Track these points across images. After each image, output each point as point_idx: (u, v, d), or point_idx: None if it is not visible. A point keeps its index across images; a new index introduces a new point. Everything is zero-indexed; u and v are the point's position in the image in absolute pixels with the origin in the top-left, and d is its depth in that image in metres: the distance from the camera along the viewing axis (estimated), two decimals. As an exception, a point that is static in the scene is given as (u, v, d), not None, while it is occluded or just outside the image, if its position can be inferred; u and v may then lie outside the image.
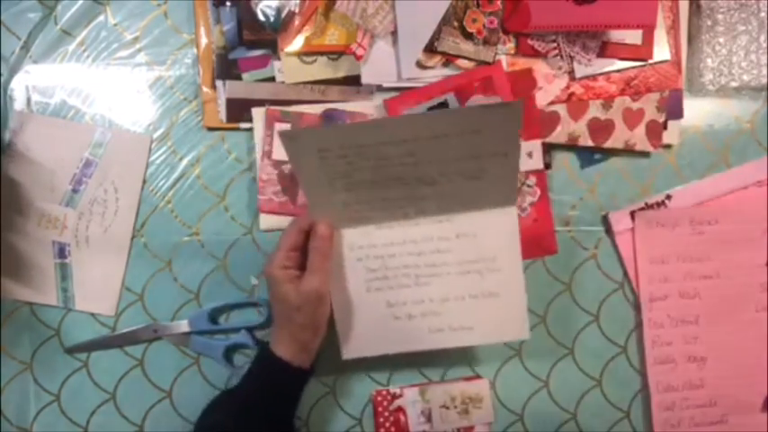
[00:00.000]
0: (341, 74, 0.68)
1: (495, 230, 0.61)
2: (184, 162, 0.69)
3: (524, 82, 0.67)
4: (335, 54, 0.68)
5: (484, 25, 0.66)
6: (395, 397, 0.69)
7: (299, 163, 0.56)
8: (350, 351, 0.63)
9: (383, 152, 0.54)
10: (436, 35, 0.66)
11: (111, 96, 0.69)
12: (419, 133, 0.53)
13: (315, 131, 0.56)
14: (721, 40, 0.68)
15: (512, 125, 0.53)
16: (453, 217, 0.61)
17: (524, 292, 0.61)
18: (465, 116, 0.54)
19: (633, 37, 0.68)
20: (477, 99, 0.66)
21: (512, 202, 0.60)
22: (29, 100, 0.68)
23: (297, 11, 0.66)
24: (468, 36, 0.66)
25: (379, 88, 0.68)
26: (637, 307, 0.70)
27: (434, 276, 0.62)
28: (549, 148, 0.69)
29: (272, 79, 0.68)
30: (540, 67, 0.68)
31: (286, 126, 0.67)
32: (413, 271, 0.62)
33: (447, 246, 0.61)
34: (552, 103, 0.68)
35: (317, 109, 0.68)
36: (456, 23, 0.66)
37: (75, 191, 0.68)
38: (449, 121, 0.53)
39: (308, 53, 0.67)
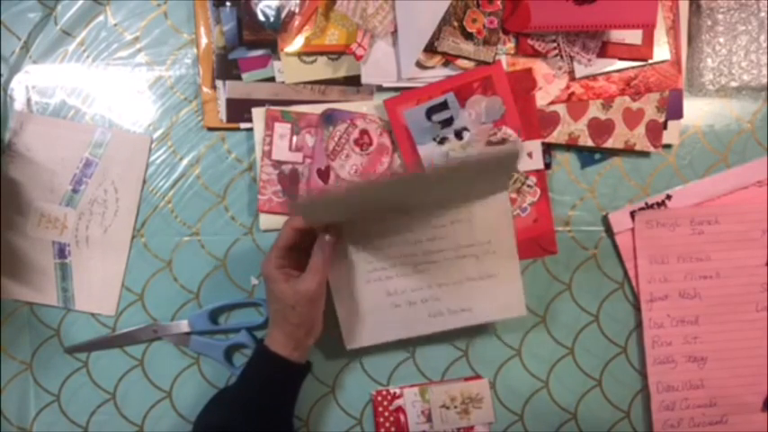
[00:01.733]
0: (341, 74, 0.68)
1: (488, 215, 0.63)
2: (184, 162, 0.69)
3: (524, 82, 0.67)
4: (335, 54, 0.68)
5: (484, 25, 0.66)
6: (395, 397, 0.69)
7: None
8: (353, 341, 0.65)
9: (381, 204, 0.58)
10: (436, 35, 0.66)
11: (111, 96, 0.69)
12: (414, 191, 0.57)
13: (320, 200, 0.59)
14: (721, 40, 0.68)
15: (510, 168, 0.57)
16: (447, 205, 0.63)
17: (519, 270, 0.63)
18: (463, 170, 0.55)
19: (633, 37, 0.67)
20: (477, 99, 0.66)
21: (504, 189, 0.62)
22: (29, 100, 0.68)
23: (297, 11, 0.66)
24: (469, 36, 0.66)
25: (379, 88, 0.68)
26: (637, 307, 0.70)
27: (432, 263, 0.64)
28: (549, 148, 0.69)
29: (272, 79, 0.68)
30: (540, 67, 0.68)
31: (286, 126, 0.67)
32: (410, 259, 0.63)
33: (442, 232, 0.63)
34: (552, 103, 0.68)
35: (317, 109, 0.68)
36: (456, 23, 0.66)
37: (75, 191, 0.68)
38: (445, 178, 0.55)
39: (308, 53, 0.67)
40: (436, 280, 0.64)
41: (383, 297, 0.64)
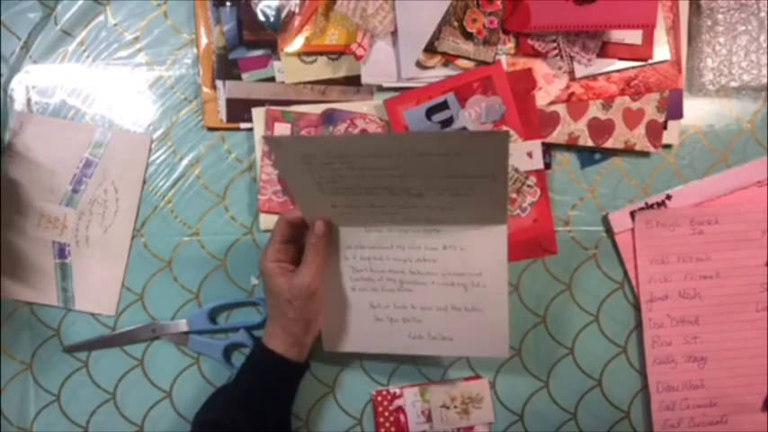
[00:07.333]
0: (341, 74, 0.68)
1: (482, 246, 0.61)
2: (184, 162, 0.69)
3: (524, 82, 0.67)
4: (335, 54, 0.68)
5: (484, 25, 0.66)
6: (395, 397, 0.69)
7: (285, 167, 0.57)
8: (331, 345, 0.65)
9: (368, 163, 0.54)
10: (436, 35, 0.66)
11: (111, 96, 0.69)
12: (403, 150, 0.53)
13: (298, 140, 0.57)
14: (721, 40, 0.68)
15: (499, 153, 0.52)
16: (442, 228, 0.61)
17: (507, 311, 0.61)
18: (449, 140, 0.53)
19: (633, 37, 0.67)
20: (477, 99, 0.66)
21: (502, 221, 0.60)
22: (29, 100, 0.68)
23: (297, 11, 0.66)
24: (469, 36, 0.66)
25: (379, 88, 0.68)
26: (637, 307, 0.70)
27: (418, 284, 0.62)
28: (549, 148, 0.69)
29: (272, 79, 0.68)
30: (540, 67, 0.68)
31: (286, 126, 0.67)
32: (397, 276, 0.62)
33: (433, 255, 0.62)
34: (552, 103, 0.68)
35: (317, 109, 0.68)
36: (456, 23, 0.66)
37: (75, 191, 0.68)
38: (433, 142, 0.53)
39: (308, 53, 0.67)
40: (420, 302, 0.62)
41: (366, 308, 0.63)
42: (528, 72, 0.68)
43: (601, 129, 0.68)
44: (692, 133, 0.71)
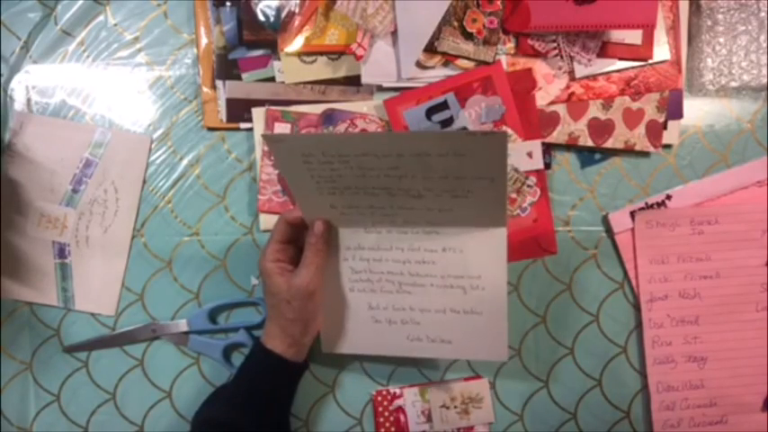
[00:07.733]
0: (341, 74, 0.68)
1: (482, 249, 0.60)
2: (184, 162, 0.69)
3: (524, 82, 0.67)
4: (335, 54, 0.68)
5: (484, 25, 0.66)
6: (395, 397, 0.69)
7: (284, 166, 0.57)
8: (329, 346, 0.65)
9: (366, 163, 0.54)
10: (436, 35, 0.66)
11: (111, 96, 0.69)
12: (401, 150, 0.53)
13: (297, 137, 0.56)
14: (721, 40, 0.68)
15: (497, 153, 0.52)
16: (441, 230, 0.61)
17: (506, 314, 0.61)
18: (447, 139, 0.53)
19: (633, 37, 0.67)
20: (477, 99, 0.66)
21: (501, 224, 0.60)
22: (29, 100, 0.68)
23: (297, 11, 0.66)
24: (469, 36, 0.67)
25: (379, 88, 0.68)
26: (637, 307, 0.70)
27: (417, 286, 0.62)
28: (549, 148, 0.69)
29: (272, 79, 0.68)
30: (540, 67, 0.68)
31: (286, 126, 0.67)
32: (396, 278, 0.62)
33: (432, 257, 0.61)
34: (552, 102, 0.68)
35: (317, 109, 0.68)
36: (456, 23, 0.66)
37: (75, 191, 0.68)
38: (431, 141, 0.52)
39: (308, 53, 0.67)
40: (419, 304, 0.62)
41: (365, 309, 0.63)
42: (528, 72, 0.68)
43: (601, 129, 0.68)
44: (692, 133, 0.71)
